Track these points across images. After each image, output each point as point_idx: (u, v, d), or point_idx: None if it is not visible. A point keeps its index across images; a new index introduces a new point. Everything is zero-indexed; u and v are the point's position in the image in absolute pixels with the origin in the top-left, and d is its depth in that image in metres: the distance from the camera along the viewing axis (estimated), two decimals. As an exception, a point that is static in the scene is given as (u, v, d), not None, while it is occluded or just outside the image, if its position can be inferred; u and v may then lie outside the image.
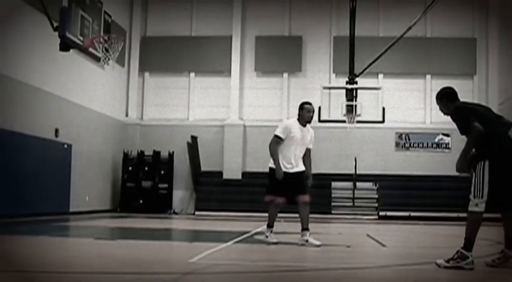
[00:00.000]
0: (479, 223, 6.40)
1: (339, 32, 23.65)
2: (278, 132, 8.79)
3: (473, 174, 6.40)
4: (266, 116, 23.78)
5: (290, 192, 8.69)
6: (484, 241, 10.54)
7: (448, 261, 6.35)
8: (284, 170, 8.64)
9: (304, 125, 8.92)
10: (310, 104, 9.07)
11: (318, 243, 8.54)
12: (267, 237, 8.87)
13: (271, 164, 8.76)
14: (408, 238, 12.16)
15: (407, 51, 22.85)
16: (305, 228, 8.67)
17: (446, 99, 6.82)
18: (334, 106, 20.14)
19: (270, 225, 8.92)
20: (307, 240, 8.57)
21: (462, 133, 6.46)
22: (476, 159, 6.42)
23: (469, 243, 6.35)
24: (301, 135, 8.83)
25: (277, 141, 8.72)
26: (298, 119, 8.96)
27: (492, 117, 6.63)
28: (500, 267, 6.47)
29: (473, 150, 6.43)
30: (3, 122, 15.08)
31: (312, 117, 8.98)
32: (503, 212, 6.60)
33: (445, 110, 6.83)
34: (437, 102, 6.90)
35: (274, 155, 8.69)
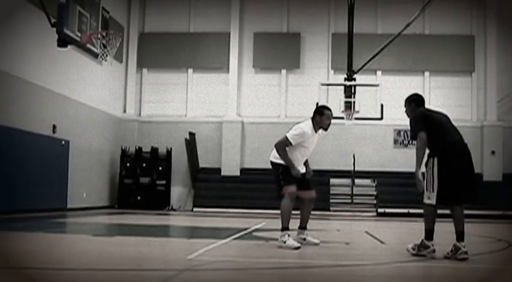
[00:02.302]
0: (434, 215, 7.04)
1: (337, 29, 23.63)
2: (291, 138, 8.08)
3: (426, 169, 6.96)
4: (264, 112, 23.78)
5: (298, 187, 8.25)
6: (485, 238, 10.55)
7: (414, 249, 7.09)
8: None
9: (317, 131, 8.29)
10: (330, 110, 8.36)
11: (317, 241, 8.43)
12: (284, 242, 7.82)
13: (276, 160, 8.22)
14: (407, 235, 12.14)
15: (405, 48, 22.86)
16: (304, 227, 8.50)
17: (415, 104, 7.37)
18: (332, 103, 20.00)
19: (286, 228, 7.93)
20: (305, 239, 8.44)
21: (411, 137, 7.20)
22: (428, 156, 7.00)
23: (428, 234, 7.01)
24: (314, 142, 8.34)
25: (286, 144, 8.10)
26: (313, 122, 8.24)
27: (446, 121, 7.21)
28: (452, 258, 6.74)
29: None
30: (0, 118, 15.03)
31: (329, 125, 8.26)
32: (451, 207, 6.99)
33: (410, 113, 7.37)
34: (406, 105, 7.44)
35: (284, 157, 8.11)
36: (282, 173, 8.16)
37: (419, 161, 6.90)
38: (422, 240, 7.02)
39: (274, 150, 8.24)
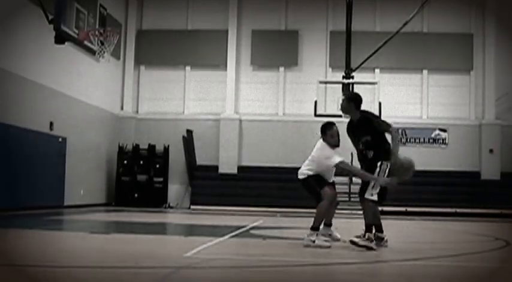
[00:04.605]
0: (378, 209, 7.66)
1: (335, 27, 23.56)
2: (339, 156, 8.20)
3: (377, 169, 7.55)
4: (262, 110, 23.71)
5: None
6: (483, 237, 10.55)
7: (371, 241, 7.45)
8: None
9: (334, 148, 8.31)
10: (333, 125, 8.33)
11: (339, 236, 8.60)
12: (313, 241, 7.83)
13: (303, 176, 8.24)
14: (404, 233, 12.15)
15: (404, 46, 22.81)
16: (330, 224, 8.58)
17: (354, 103, 7.82)
18: (331, 101, 20.03)
19: (317, 228, 7.99)
20: (330, 235, 8.59)
21: (375, 133, 7.78)
22: (377, 159, 7.64)
23: (380, 227, 7.68)
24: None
25: (342, 161, 8.19)
26: (325, 142, 8.30)
27: None
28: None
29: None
30: (-3, 114, 14.99)
31: (339, 140, 8.30)
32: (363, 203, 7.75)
33: (347, 110, 7.88)
34: (345, 102, 7.92)
35: (354, 170, 8.43)
36: (313, 181, 8.21)
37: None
38: (376, 234, 7.57)
39: (302, 168, 8.29)
